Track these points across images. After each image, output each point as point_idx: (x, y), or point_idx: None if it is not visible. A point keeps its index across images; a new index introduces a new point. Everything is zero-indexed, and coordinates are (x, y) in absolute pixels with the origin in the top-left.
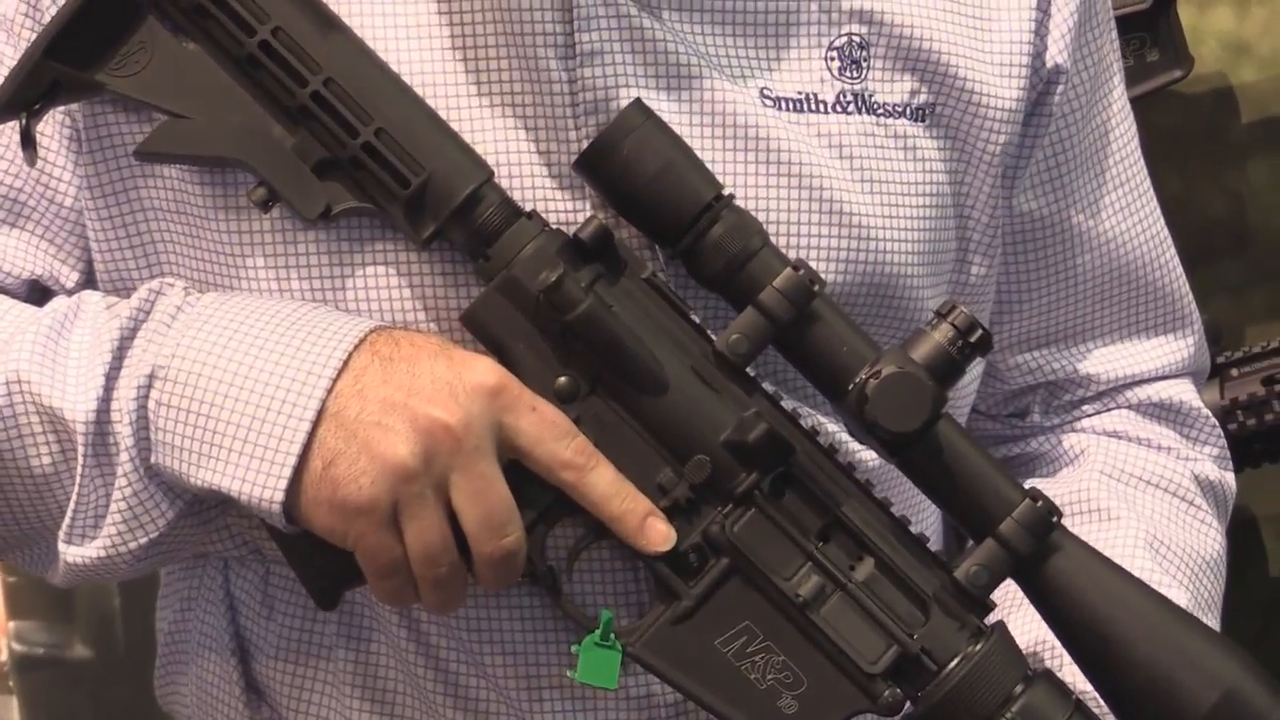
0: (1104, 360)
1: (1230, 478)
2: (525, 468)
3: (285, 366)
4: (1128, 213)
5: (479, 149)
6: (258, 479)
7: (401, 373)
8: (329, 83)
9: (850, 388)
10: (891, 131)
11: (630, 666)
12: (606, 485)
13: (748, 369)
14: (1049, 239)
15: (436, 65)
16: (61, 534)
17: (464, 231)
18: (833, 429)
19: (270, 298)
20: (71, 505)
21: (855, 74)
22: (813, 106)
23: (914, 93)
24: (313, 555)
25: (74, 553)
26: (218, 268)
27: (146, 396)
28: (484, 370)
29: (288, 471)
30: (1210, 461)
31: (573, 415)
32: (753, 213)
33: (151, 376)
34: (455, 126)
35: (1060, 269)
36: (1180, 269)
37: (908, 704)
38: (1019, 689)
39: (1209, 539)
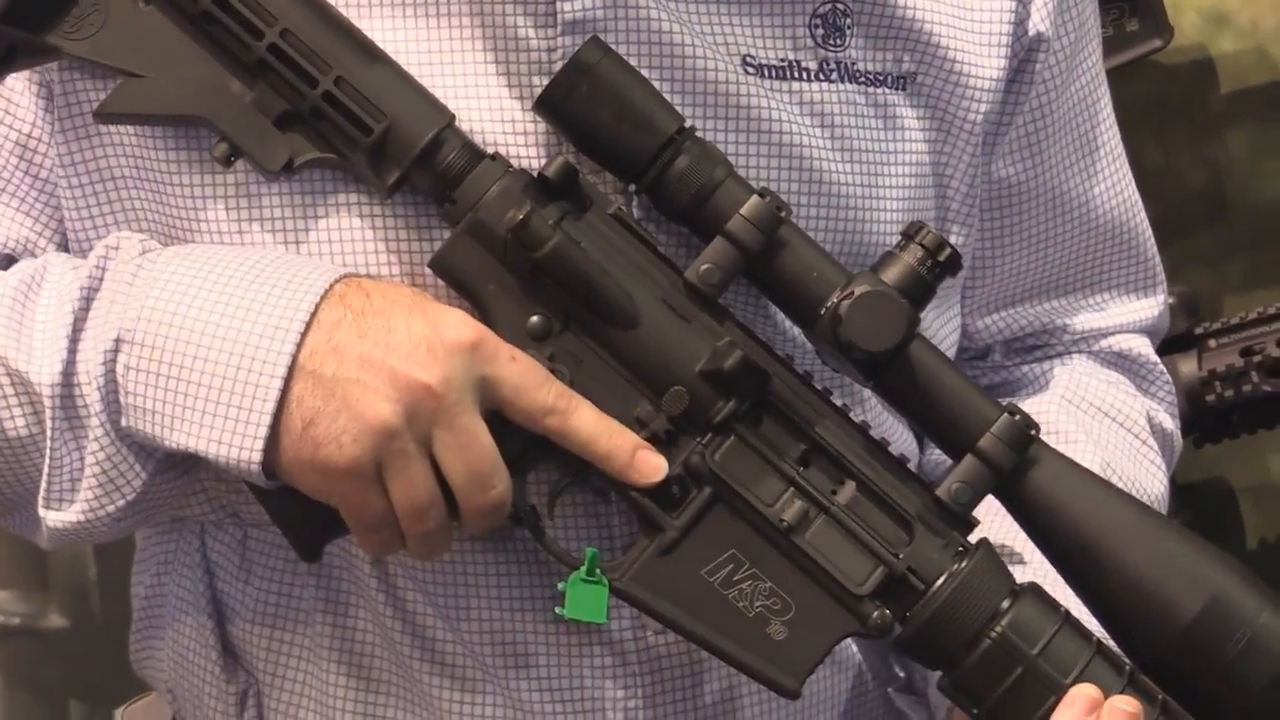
0: (1071, 315)
1: (1179, 434)
2: (504, 416)
3: (252, 322)
4: (1102, 177)
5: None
6: (234, 440)
7: (377, 328)
8: (285, 34)
9: (823, 311)
10: (873, 100)
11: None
12: (591, 425)
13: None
14: (1024, 204)
15: (403, 33)
16: (40, 499)
17: (428, 177)
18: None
19: (231, 248)
20: (46, 470)
21: (838, 42)
22: (795, 74)
23: (896, 61)
24: (295, 509)
25: (54, 518)
26: (185, 226)
27: (114, 361)
28: (461, 325)
29: (264, 430)
30: (1163, 410)
31: (546, 353)
32: None
33: (118, 340)
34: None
35: (1034, 233)
36: (1150, 232)
37: (896, 625)
38: (1006, 603)
39: (1156, 479)
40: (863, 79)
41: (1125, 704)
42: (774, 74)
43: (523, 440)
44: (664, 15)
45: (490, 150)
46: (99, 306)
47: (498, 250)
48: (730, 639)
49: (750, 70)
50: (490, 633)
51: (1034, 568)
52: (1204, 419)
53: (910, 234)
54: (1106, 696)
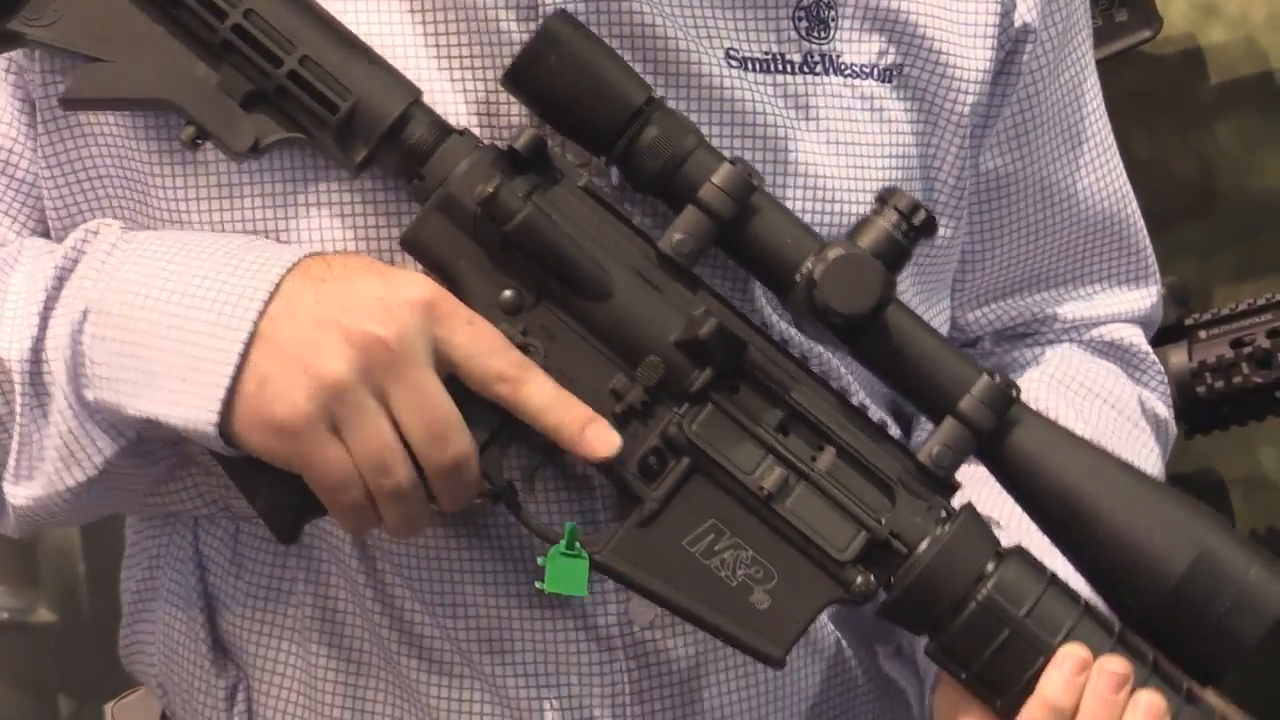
0: (1061, 305)
1: (1173, 423)
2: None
3: (219, 292)
4: (1092, 168)
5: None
6: (192, 402)
7: (334, 291)
8: (249, 14)
9: (798, 277)
10: (858, 93)
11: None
12: (543, 396)
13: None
14: (1014, 196)
15: (385, 27)
16: (7, 475)
17: (396, 154)
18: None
19: (207, 232)
20: (15, 445)
21: (822, 34)
22: (779, 67)
23: (881, 54)
24: (265, 484)
25: (16, 493)
26: (165, 219)
27: (80, 332)
28: (417, 284)
29: (220, 392)
30: (1157, 398)
31: (520, 328)
32: None
33: (86, 312)
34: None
35: (1024, 225)
36: (1142, 223)
37: (881, 591)
38: (991, 566)
39: (1149, 461)
40: (848, 72)
41: (1115, 664)
42: (758, 67)
43: (499, 413)
44: (647, 8)
45: (460, 128)
46: (71, 284)
47: (468, 225)
48: (713, 609)
49: (734, 63)
50: (474, 624)
51: (1010, 534)
52: (1194, 410)
53: (884, 198)
54: (1096, 656)
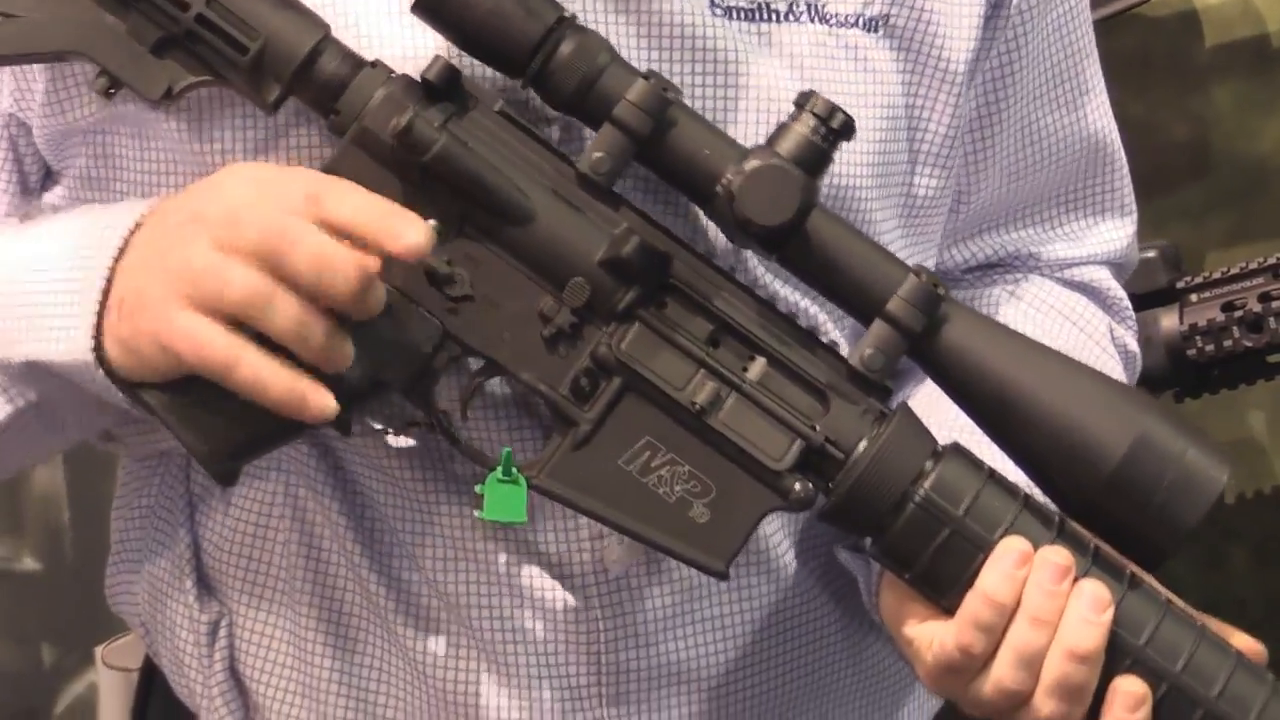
0: (1039, 245)
1: (1140, 358)
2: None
3: (84, 233)
4: (1074, 105)
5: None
6: (66, 336)
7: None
8: None
9: (718, 189)
10: (843, 42)
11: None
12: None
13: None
14: (997, 135)
15: None
16: None
17: (310, 90)
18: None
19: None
20: None
21: None
22: (764, 15)
23: (867, 3)
24: (188, 421)
25: None
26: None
27: None
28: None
29: (89, 322)
30: (1127, 333)
31: (444, 258)
32: None
33: None
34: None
35: (1007, 164)
36: (1124, 161)
37: (821, 496)
38: (929, 464)
39: None
40: (832, 20)
41: (1056, 555)
42: (742, 15)
43: (432, 340)
44: None
45: (373, 60)
46: None
47: (386, 159)
48: (653, 526)
49: (718, 12)
50: (452, 571)
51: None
52: (1184, 373)
53: (801, 103)
54: (1037, 549)
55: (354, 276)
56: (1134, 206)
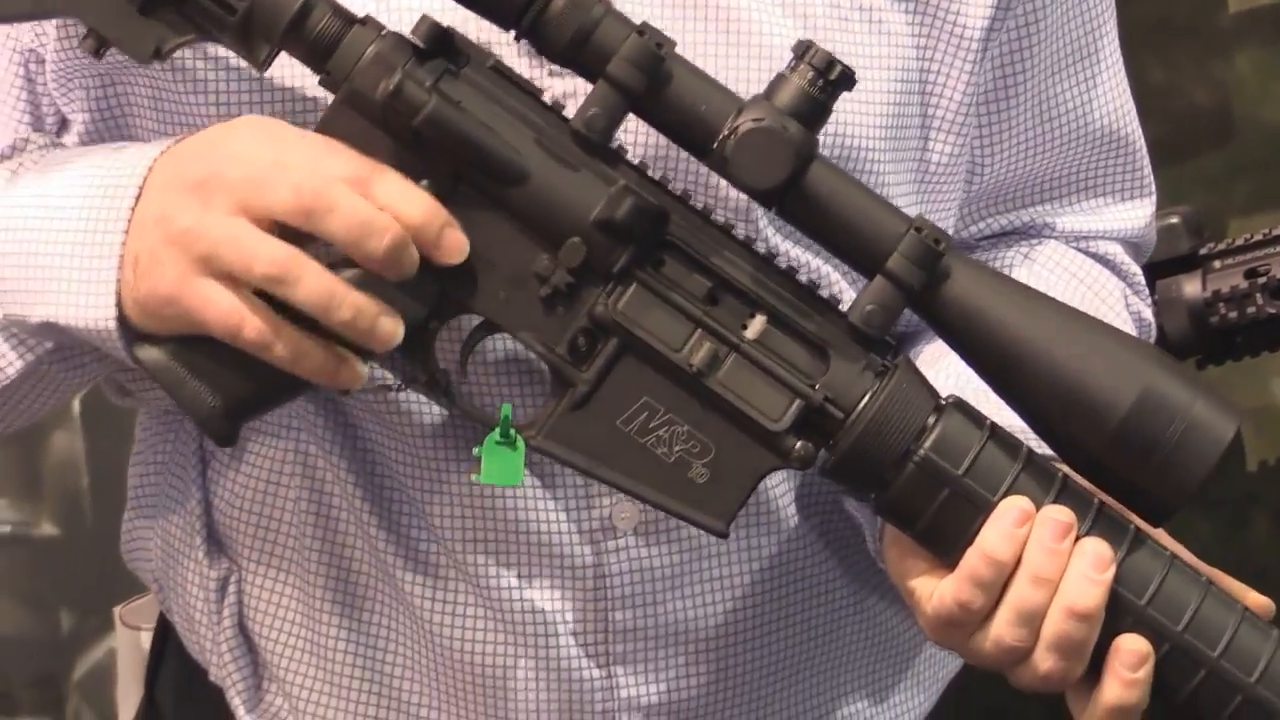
0: (1057, 218)
1: (1154, 329)
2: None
3: (97, 186)
4: (1094, 82)
5: None
6: (86, 302)
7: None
8: None
9: (715, 145)
10: (857, 4)
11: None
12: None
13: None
14: (1014, 108)
15: None
16: None
17: (300, 48)
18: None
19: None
20: None
21: None
22: None
23: None
24: (187, 383)
25: None
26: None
27: None
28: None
29: (110, 289)
30: (1142, 303)
31: None
32: None
33: None
34: None
35: (1024, 138)
36: (1142, 140)
37: (823, 454)
38: (931, 420)
39: None
40: None
41: (1058, 513)
42: None
43: (431, 295)
44: None
45: (363, 16)
46: None
47: (378, 119)
48: (653, 486)
49: None
50: (460, 523)
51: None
52: (1207, 340)
53: (799, 54)
54: (1039, 506)
55: (394, 238)
56: (1153, 187)
